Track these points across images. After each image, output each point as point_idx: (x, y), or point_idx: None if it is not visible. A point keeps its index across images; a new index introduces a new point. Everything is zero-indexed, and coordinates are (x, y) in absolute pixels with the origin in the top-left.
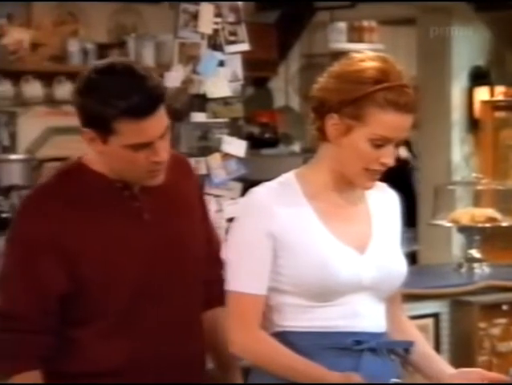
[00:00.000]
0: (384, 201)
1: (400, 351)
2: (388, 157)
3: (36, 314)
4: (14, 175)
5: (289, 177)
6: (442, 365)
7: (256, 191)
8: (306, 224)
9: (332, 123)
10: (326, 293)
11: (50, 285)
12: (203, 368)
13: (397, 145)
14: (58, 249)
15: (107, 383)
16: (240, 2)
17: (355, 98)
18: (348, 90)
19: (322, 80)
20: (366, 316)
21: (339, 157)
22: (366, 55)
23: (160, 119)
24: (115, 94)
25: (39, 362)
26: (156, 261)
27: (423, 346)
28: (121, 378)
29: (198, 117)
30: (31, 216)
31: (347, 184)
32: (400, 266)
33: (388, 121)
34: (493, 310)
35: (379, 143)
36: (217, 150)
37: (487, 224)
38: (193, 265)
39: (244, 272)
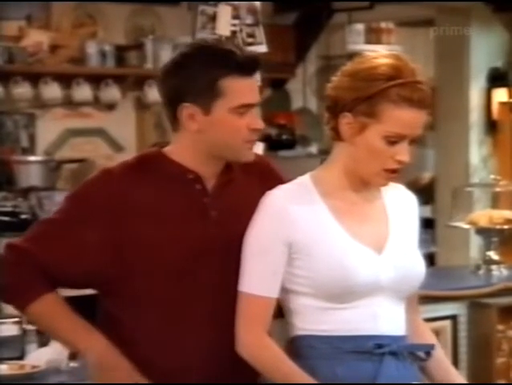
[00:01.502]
0: (401, 201)
1: (421, 355)
2: (403, 154)
3: (65, 270)
4: (33, 176)
5: (304, 179)
6: (457, 378)
7: (272, 194)
8: (323, 225)
9: (346, 122)
10: (344, 294)
11: (90, 248)
12: None
13: (412, 143)
14: (114, 226)
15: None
16: (258, 4)
17: (368, 95)
18: (362, 87)
19: (335, 79)
20: (386, 318)
21: (355, 156)
22: (379, 53)
23: (257, 85)
24: (220, 55)
25: (53, 286)
26: (209, 258)
27: (439, 352)
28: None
29: None
30: (98, 184)
31: (362, 183)
32: (419, 266)
33: (402, 117)
34: (511, 312)
35: (393, 140)
36: None
37: (505, 226)
38: None
39: (257, 274)
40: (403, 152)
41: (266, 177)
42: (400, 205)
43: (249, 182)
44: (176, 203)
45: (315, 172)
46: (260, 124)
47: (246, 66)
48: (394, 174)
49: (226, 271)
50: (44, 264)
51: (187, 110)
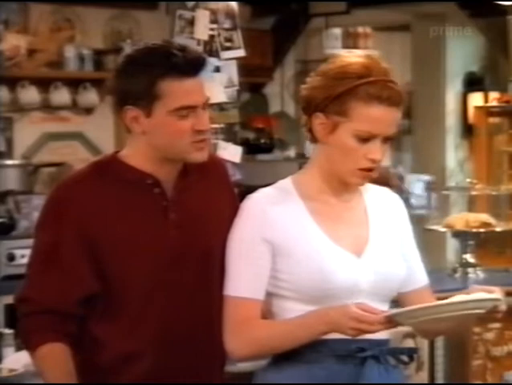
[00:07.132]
0: (384, 203)
1: (404, 358)
2: (375, 153)
3: (65, 302)
4: (10, 180)
5: (285, 182)
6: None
7: (253, 196)
8: (303, 229)
9: (319, 122)
10: (324, 297)
11: (77, 271)
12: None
13: (385, 141)
14: (83, 235)
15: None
16: (236, 9)
17: (338, 93)
18: (332, 86)
19: (309, 79)
20: None
21: (329, 157)
22: (352, 53)
23: (202, 86)
24: (159, 56)
25: (65, 337)
26: (170, 258)
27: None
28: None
29: None
30: (61, 202)
31: (340, 185)
32: (399, 270)
33: (372, 115)
34: (487, 314)
35: (364, 138)
36: None
37: (481, 229)
38: (214, 263)
39: (243, 277)
40: (375, 151)
41: (222, 180)
42: (382, 208)
43: (207, 184)
44: (136, 207)
45: (296, 175)
46: (204, 125)
47: (185, 67)
48: (369, 173)
49: (187, 271)
50: (48, 305)
51: (130, 112)
